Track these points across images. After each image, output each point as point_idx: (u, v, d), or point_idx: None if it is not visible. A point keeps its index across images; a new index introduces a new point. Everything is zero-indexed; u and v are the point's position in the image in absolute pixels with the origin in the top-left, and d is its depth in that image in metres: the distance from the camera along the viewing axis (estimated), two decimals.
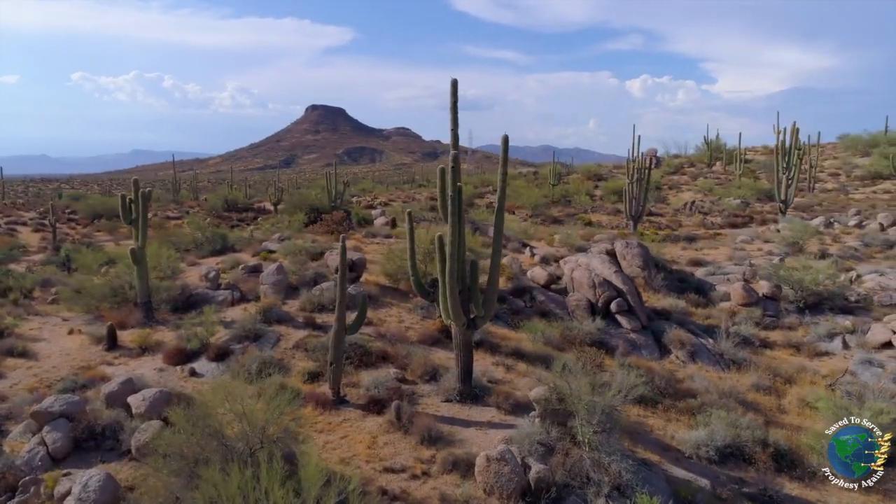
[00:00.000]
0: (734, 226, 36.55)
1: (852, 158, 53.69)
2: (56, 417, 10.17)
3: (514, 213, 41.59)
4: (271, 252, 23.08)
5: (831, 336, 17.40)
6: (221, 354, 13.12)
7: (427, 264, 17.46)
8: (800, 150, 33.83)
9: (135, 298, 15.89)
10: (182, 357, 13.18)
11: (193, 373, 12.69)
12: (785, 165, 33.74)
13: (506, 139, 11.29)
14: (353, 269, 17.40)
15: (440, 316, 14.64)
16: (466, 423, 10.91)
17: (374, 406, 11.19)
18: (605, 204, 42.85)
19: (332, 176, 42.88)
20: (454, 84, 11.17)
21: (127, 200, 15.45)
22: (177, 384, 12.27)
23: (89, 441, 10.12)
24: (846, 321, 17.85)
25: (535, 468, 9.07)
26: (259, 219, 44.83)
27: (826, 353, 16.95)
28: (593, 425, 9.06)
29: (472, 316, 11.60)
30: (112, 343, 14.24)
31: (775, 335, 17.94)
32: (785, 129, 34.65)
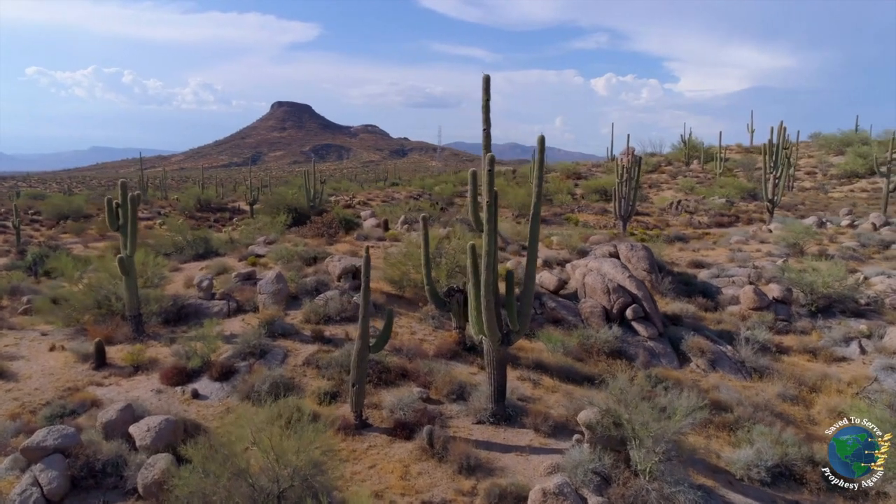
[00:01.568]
0: (721, 225, 36.42)
1: (826, 157, 54.31)
2: (50, 453, 9.03)
3: None
4: (259, 257, 21.91)
5: (847, 340, 17.00)
6: (226, 373, 12.04)
7: (433, 270, 16.61)
8: (787, 149, 33.73)
9: (122, 311, 14.66)
10: (182, 377, 12.06)
11: (196, 395, 11.60)
12: (772, 165, 33.63)
13: (542, 139, 10.46)
14: (355, 277, 16.41)
15: (457, 328, 13.85)
16: (505, 448, 10.07)
17: (402, 430, 10.29)
18: (589, 203, 42.37)
19: (311, 175, 41.61)
20: (486, 80, 10.32)
21: (113, 204, 14.20)
22: (179, 408, 11.18)
23: (88, 479, 9.01)
24: (860, 325, 17.50)
25: (593, 501, 8.28)
26: (235, 219, 43.37)
27: (843, 359, 16.55)
28: (658, 454, 8.29)
29: (505, 331, 10.76)
30: (100, 361, 13.03)
31: (789, 340, 17.49)
32: (772, 128, 34.57)
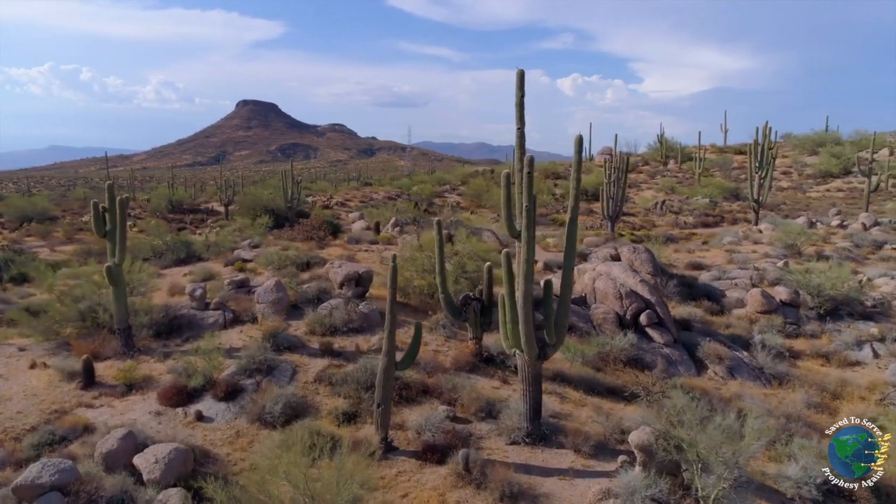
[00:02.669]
0: (706, 225, 36.36)
1: (800, 157, 54.92)
2: (46, 491, 8.02)
3: (474, 213, 40.24)
4: (246, 262, 20.87)
5: (859, 344, 16.74)
6: (231, 392, 11.08)
7: (434, 276, 15.83)
8: (772, 149, 33.77)
9: (109, 323, 13.55)
10: (182, 397, 11.07)
11: (200, 417, 10.63)
12: (757, 165, 33.61)
13: (580, 139, 9.77)
14: (359, 284, 15.53)
15: (473, 338, 13.10)
16: (545, 472, 9.36)
17: (432, 454, 9.49)
18: (580, 204, 41.86)
19: (289, 175, 40.32)
20: (520, 76, 9.58)
21: (100, 209, 13.10)
22: (183, 433, 10.20)
23: None
24: (871, 328, 17.25)
25: None
26: (209, 221, 41.88)
27: (857, 363, 16.27)
28: (729, 480, 7.66)
29: (540, 345, 10.05)
30: (89, 380, 11.95)
31: (800, 344, 17.17)
32: (757, 129, 34.58)
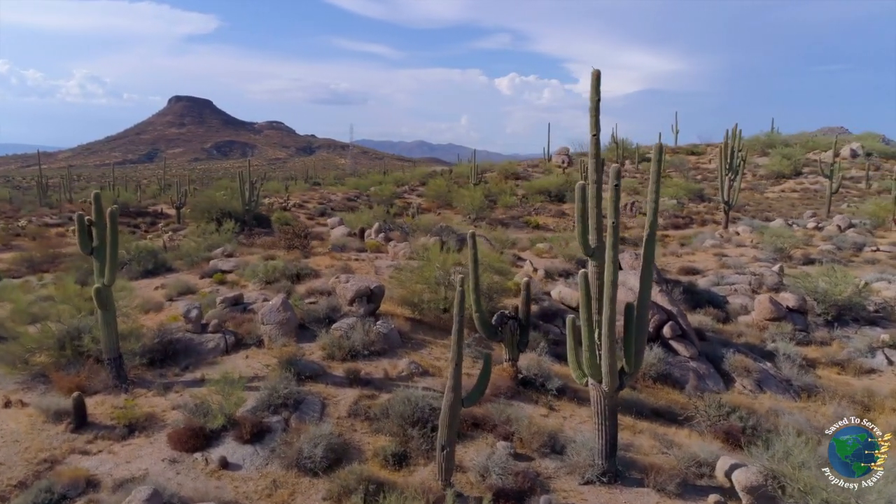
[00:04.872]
0: (677, 227, 36.45)
1: (751, 158, 56.25)
2: None
3: (438, 214, 39.28)
4: (225, 273, 19.25)
5: (872, 351, 16.58)
6: (258, 433, 9.71)
7: (446, 291, 14.77)
8: (741, 151, 34.07)
9: (95, 352, 11.89)
10: (199, 440, 9.63)
11: (225, 464, 9.23)
12: (728, 167, 33.83)
13: (660, 147, 8.90)
14: (370, 300, 14.27)
15: (509, 360, 12.11)
16: None
17: (505, 501, 8.43)
18: (544, 205, 41.48)
19: (246, 175, 38.22)
20: (596, 77, 8.62)
21: (85, 222, 11.43)
22: (209, 485, 8.80)
23: None
24: (880, 334, 17.12)
25: None
26: (161, 225, 39.35)
27: (872, 371, 16.08)
28: None
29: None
30: (80, 420, 10.34)
31: (812, 351, 16.89)
32: (727, 131, 34.81)
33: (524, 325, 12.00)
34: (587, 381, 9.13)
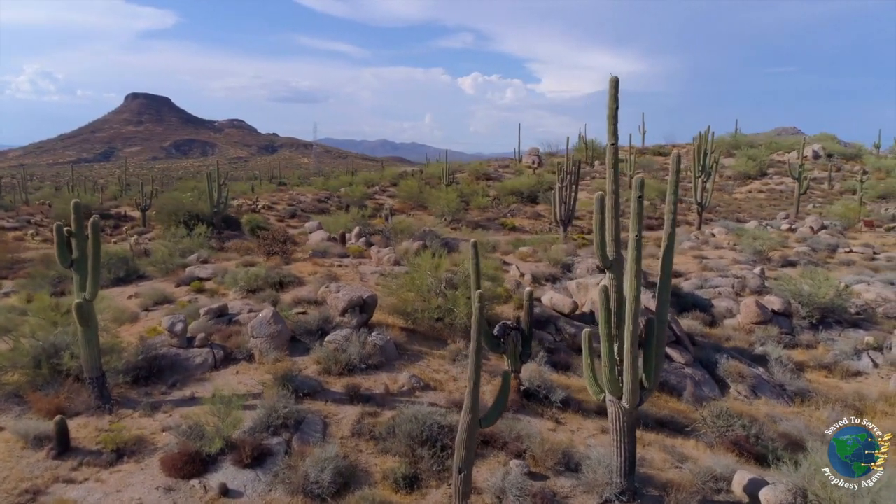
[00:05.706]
0: (650, 228, 36.53)
1: (718, 158, 57.14)
2: None
3: (409, 215, 38.84)
4: (202, 280, 18.54)
5: (857, 354, 16.77)
6: (258, 456, 9.19)
7: (440, 300, 14.40)
8: (714, 153, 34.45)
9: (75, 370, 11.19)
10: (196, 465, 9.06)
11: (225, 491, 8.70)
12: (701, 168, 34.17)
13: (677, 158, 8.66)
14: (363, 310, 13.81)
15: (512, 371, 11.78)
16: None
17: None
18: (519, 206, 41.35)
19: (214, 175, 37.18)
20: (614, 84, 8.35)
21: (64, 232, 10.73)
22: None
23: None
24: (864, 337, 17.35)
25: None
26: (125, 228, 38.03)
27: (858, 373, 16.27)
28: None
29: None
30: (63, 446, 9.67)
31: (798, 355, 17.02)
32: (700, 133, 35.17)
33: (527, 337, 11.69)
34: (604, 397, 8.86)
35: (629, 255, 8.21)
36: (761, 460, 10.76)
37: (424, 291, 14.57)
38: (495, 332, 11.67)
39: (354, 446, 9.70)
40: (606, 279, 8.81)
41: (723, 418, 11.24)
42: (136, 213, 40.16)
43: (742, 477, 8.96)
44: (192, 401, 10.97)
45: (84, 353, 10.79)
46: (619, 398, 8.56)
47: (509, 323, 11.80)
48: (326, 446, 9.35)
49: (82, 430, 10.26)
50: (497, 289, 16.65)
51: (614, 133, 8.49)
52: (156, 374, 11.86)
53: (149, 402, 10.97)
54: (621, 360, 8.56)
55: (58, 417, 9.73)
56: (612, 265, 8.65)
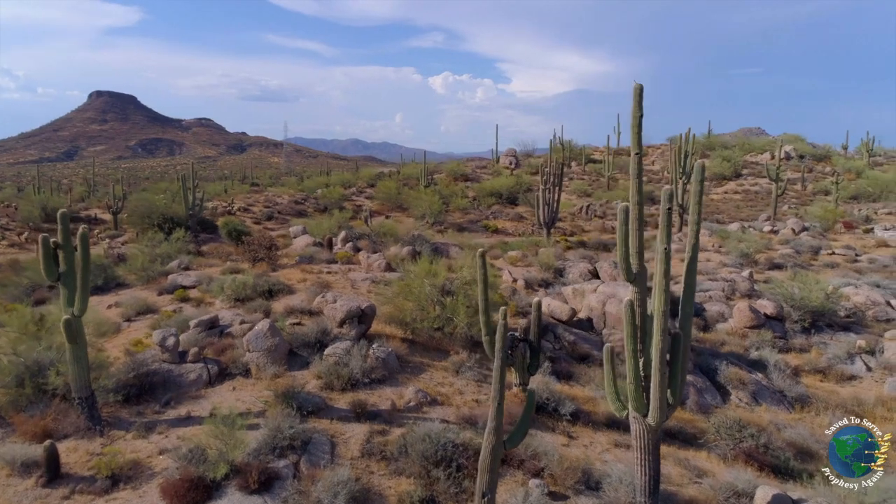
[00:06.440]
0: None
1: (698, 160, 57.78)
2: None
3: (388, 217, 38.40)
4: (186, 289, 17.92)
5: (850, 357, 16.84)
6: (265, 481, 8.72)
7: (440, 309, 14.03)
8: (694, 155, 34.64)
9: (64, 390, 10.57)
10: (200, 491, 8.54)
11: None
12: (681, 170, 34.33)
13: (702, 167, 8.43)
14: (361, 321, 13.38)
15: (520, 384, 11.50)
16: None
17: None
18: (504, 209, 41.12)
19: (189, 176, 36.21)
20: (638, 91, 8.08)
21: (51, 245, 10.11)
22: None
23: None
24: (856, 340, 17.43)
25: None
26: (97, 232, 36.83)
27: (853, 377, 16.33)
28: None
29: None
30: (54, 472, 9.08)
31: (792, 359, 17.04)
32: (681, 136, 35.34)
33: (535, 348, 11.40)
34: (627, 414, 8.59)
35: (657, 268, 7.97)
36: (775, 471, 10.64)
37: (423, 300, 14.20)
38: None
39: (365, 467, 9.28)
40: (630, 293, 8.54)
41: (735, 429, 11.07)
42: (108, 216, 38.92)
43: (765, 493, 8.77)
44: (189, 420, 10.44)
45: (72, 372, 10.19)
46: (644, 415, 8.30)
47: (517, 334, 11.51)
48: (337, 468, 8.93)
49: (72, 454, 9.67)
50: (493, 296, 16.33)
51: (638, 142, 8.25)
52: (147, 391, 11.27)
53: (142, 422, 10.41)
54: (646, 377, 8.30)
55: (47, 442, 9.14)
56: (635, 278, 8.38)
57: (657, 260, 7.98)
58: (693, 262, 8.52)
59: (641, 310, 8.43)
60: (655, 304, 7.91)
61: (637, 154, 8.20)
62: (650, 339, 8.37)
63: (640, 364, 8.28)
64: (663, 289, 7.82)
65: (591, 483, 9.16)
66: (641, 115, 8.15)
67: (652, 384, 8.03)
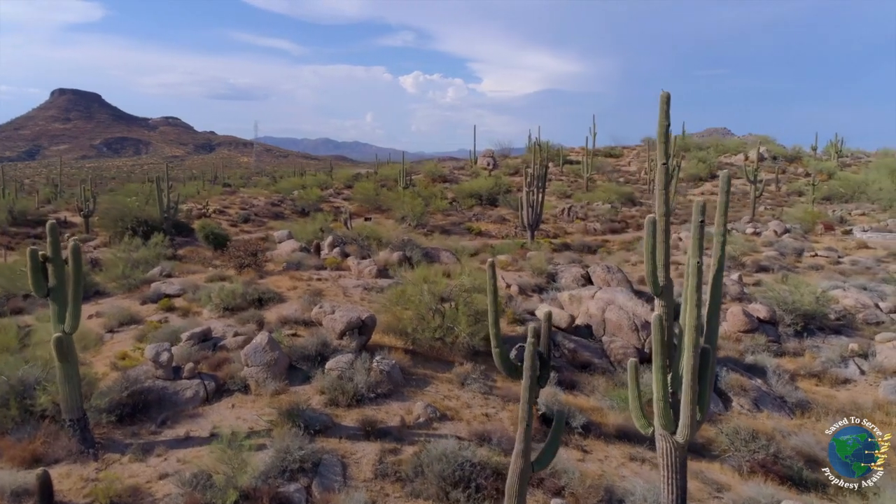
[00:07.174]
0: (614, 231, 36.87)
1: (679, 162, 58.27)
2: None
3: (368, 219, 37.91)
4: (171, 297, 17.28)
5: (844, 361, 16.93)
6: None
7: (434, 316, 13.70)
8: (676, 156, 34.82)
9: (53, 412, 9.99)
10: None
11: None
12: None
13: (727, 177, 8.24)
14: (361, 332, 12.96)
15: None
16: None
17: None
18: (486, 211, 40.89)
19: (164, 178, 35.32)
20: (665, 100, 7.85)
21: (39, 258, 9.53)
22: None
23: None
24: (849, 343, 17.54)
25: None
26: (67, 236, 35.65)
27: (848, 381, 16.40)
28: None
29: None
30: (47, 501, 8.52)
31: (786, 363, 17.06)
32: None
33: (545, 360, 11.10)
34: (652, 431, 8.36)
35: (688, 282, 7.75)
36: (789, 482, 10.54)
37: (422, 309, 13.83)
38: (512, 355, 11.05)
39: (380, 490, 8.90)
40: (657, 307, 8.31)
41: (749, 440, 10.94)
42: (78, 219, 37.75)
43: None
44: (188, 441, 9.95)
45: (63, 392, 9.63)
46: (672, 432, 8.08)
47: (540, 349, 11.19)
48: (351, 492, 8.54)
49: (66, 480, 9.12)
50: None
51: (666, 152, 8.01)
52: (141, 410, 10.72)
53: (138, 443, 9.88)
54: (674, 393, 8.08)
55: (39, 470, 8.55)
56: (662, 292, 8.15)
57: (687, 273, 7.76)
58: (719, 273, 8.33)
59: (668, 324, 8.20)
60: (687, 320, 7.71)
61: (664, 164, 7.97)
62: (677, 353, 8.18)
63: (669, 379, 8.06)
64: (695, 303, 7.60)
65: (613, 502, 8.91)
66: (668, 124, 7.92)
67: (682, 401, 7.81)
